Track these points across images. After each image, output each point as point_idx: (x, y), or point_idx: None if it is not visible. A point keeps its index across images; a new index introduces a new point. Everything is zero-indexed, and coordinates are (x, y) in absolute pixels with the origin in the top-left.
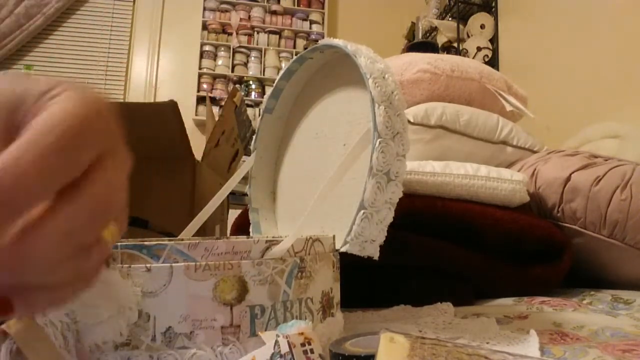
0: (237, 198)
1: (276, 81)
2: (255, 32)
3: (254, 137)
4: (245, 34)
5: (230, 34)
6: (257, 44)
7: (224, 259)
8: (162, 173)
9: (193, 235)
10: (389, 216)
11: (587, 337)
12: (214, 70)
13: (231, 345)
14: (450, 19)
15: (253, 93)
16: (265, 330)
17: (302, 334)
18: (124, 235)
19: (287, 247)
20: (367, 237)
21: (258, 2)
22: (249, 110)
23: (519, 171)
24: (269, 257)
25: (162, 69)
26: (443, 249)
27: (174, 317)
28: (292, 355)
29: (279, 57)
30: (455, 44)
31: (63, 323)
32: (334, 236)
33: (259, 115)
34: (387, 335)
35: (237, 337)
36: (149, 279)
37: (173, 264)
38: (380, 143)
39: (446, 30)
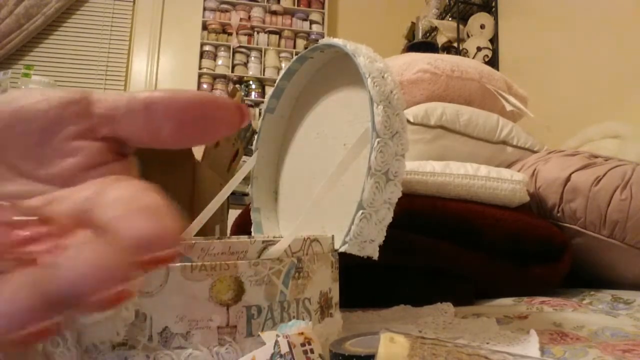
0: (237, 198)
1: (277, 81)
2: (255, 32)
3: (255, 137)
4: (245, 34)
5: (230, 34)
6: (257, 44)
7: (220, 259)
8: (162, 173)
9: (193, 236)
10: (388, 216)
11: (587, 337)
12: (214, 70)
13: (227, 346)
14: (450, 19)
15: (253, 93)
16: (262, 330)
17: (302, 334)
18: None
19: (284, 247)
20: (366, 237)
21: (258, 2)
22: (249, 110)
23: (519, 171)
24: (265, 258)
25: (162, 69)
26: (443, 249)
27: (170, 317)
28: (292, 355)
29: (279, 57)
30: (455, 44)
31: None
32: (332, 236)
33: (260, 115)
34: (387, 335)
35: (234, 338)
36: (146, 278)
37: (169, 264)
38: (378, 143)
39: (446, 30)
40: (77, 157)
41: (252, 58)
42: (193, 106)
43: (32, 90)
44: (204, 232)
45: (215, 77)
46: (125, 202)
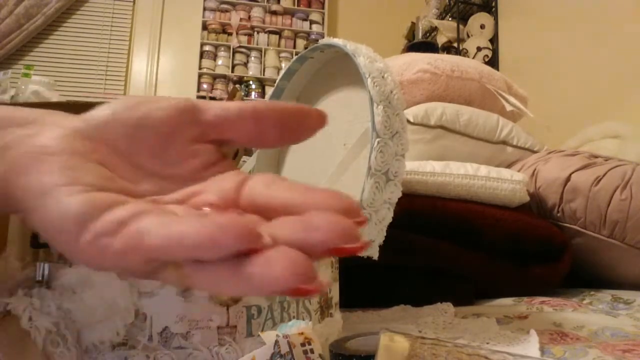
0: None
1: (277, 81)
2: (255, 32)
3: None
4: (245, 34)
5: (230, 34)
6: (257, 44)
7: None
8: None
9: None
10: (388, 216)
11: (587, 337)
12: (214, 70)
13: (227, 346)
14: (450, 19)
15: (253, 93)
16: (262, 330)
17: (302, 334)
18: None
19: None
20: (366, 237)
21: (258, 2)
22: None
23: (519, 171)
24: None
25: (162, 69)
26: (443, 249)
27: (170, 317)
28: (292, 355)
29: (279, 57)
30: (455, 44)
31: (62, 322)
32: None
33: None
34: (387, 335)
35: (234, 338)
36: (146, 279)
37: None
38: (378, 143)
39: (446, 30)
40: (198, 158)
41: (252, 58)
42: (292, 115)
43: (147, 98)
44: None
45: (215, 77)
46: (294, 188)
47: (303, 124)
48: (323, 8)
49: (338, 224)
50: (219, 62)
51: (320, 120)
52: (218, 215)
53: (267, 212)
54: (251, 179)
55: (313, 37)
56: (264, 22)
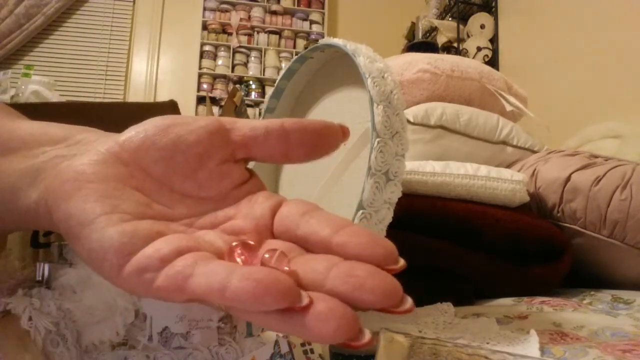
0: None
1: (277, 81)
2: (255, 32)
3: None
4: (245, 34)
5: (230, 34)
6: (257, 44)
7: None
8: None
9: None
10: (388, 216)
11: (587, 337)
12: (214, 70)
13: (227, 346)
14: (450, 19)
15: (253, 93)
16: (262, 330)
17: None
18: None
19: None
20: None
21: (258, 2)
22: (249, 110)
23: (519, 171)
24: None
25: (162, 69)
26: (443, 249)
27: (170, 317)
28: (292, 355)
29: (279, 57)
30: (455, 44)
31: (62, 322)
32: None
33: (260, 116)
34: (387, 335)
35: (234, 338)
36: None
37: None
38: (378, 143)
39: (446, 30)
40: (229, 178)
41: (252, 58)
42: (318, 132)
43: (177, 120)
44: None
45: (215, 77)
46: (332, 221)
47: (328, 140)
48: (323, 8)
49: (390, 287)
50: (219, 62)
51: (344, 135)
52: (261, 269)
53: (304, 243)
54: (285, 206)
55: (313, 37)
56: (264, 22)
